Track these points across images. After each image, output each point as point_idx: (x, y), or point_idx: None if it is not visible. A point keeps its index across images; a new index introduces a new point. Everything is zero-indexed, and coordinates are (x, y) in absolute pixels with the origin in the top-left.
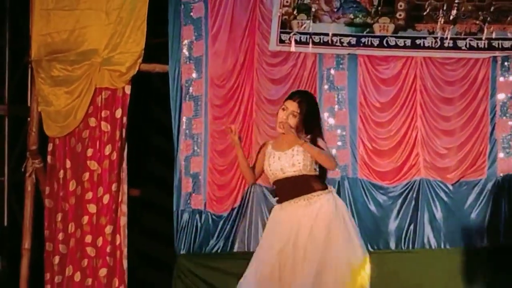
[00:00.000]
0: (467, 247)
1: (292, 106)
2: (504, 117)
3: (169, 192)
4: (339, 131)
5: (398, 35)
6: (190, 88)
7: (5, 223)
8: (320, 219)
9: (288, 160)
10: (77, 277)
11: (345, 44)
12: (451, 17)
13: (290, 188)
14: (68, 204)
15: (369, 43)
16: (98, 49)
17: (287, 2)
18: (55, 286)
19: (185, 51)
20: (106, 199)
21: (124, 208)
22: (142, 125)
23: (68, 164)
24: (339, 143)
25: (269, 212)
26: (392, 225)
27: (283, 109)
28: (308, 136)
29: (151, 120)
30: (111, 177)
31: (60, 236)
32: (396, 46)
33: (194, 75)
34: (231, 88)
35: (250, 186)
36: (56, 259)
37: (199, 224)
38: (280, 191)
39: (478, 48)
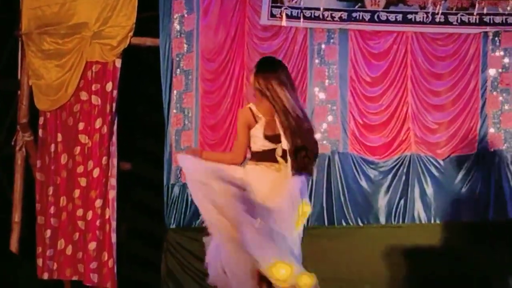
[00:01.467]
0: (457, 222)
1: None
2: (495, 92)
3: (160, 166)
4: (329, 105)
5: (390, 10)
6: (181, 62)
7: None
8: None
9: None
10: (69, 250)
11: (336, 18)
12: None
13: None
14: (59, 177)
15: (360, 17)
16: (89, 23)
17: None
18: (46, 260)
19: (176, 24)
20: (96, 172)
21: (113, 182)
22: (133, 99)
23: (60, 137)
24: (330, 118)
25: None
26: (383, 200)
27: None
28: None
29: (142, 94)
30: (101, 150)
31: (52, 209)
32: (387, 21)
33: (185, 49)
34: (222, 62)
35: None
36: (48, 232)
37: (189, 198)
38: None
39: (469, 23)
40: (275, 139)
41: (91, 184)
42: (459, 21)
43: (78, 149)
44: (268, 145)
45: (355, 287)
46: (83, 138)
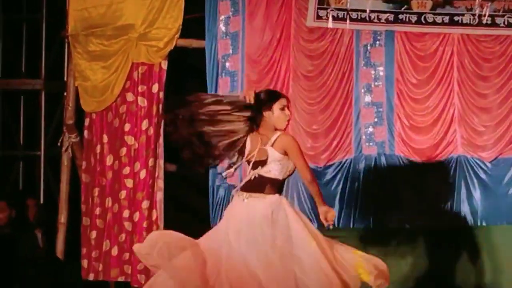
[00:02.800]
0: (503, 225)
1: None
2: None
3: (205, 168)
4: (375, 107)
5: (436, 11)
6: (227, 63)
7: (41, 198)
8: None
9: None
10: (114, 251)
11: (382, 20)
12: None
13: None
14: (105, 178)
15: (407, 19)
16: (135, 24)
17: None
18: (92, 261)
19: (221, 26)
20: (142, 174)
21: (160, 183)
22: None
23: (105, 139)
24: (376, 120)
25: (305, 187)
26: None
27: (287, 107)
28: None
29: (187, 96)
30: (148, 152)
31: (97, 210)
32: (434, 22)
33: (230, 50)
34: (268, 63)
35: None
36: (93, 233)
37: None
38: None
39: None
40: None
41: (138, 186)
42: (506, 23)
43: (124, 150)
44: None
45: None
46: (129, 140)
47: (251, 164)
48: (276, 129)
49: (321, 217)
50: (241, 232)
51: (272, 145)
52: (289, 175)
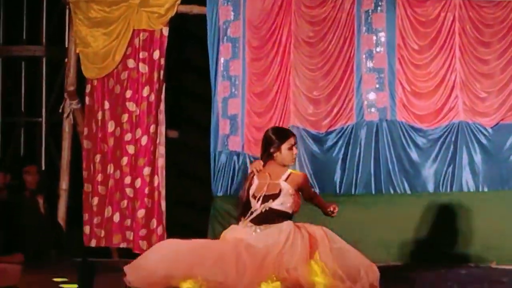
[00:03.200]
0: (505, 190)
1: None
2: None
3: (207, 134)
4: (377, 73)
5: None
6: (228, 29)
7: (43, 165)
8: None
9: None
10: (116, 218)
11: None
12: None
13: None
14: (107, 145)
15: None
16: None
17: None
18: (94, 227)
19: None
20: (144, 140)
21: (162, 149)
22: (180, 67)
23: (107, 105)
24: (377, 86)
25: (307, 154)
26: (430, 168)
27: (294, 145)
28: None
29: (189, 62)
30: (149, 118)
31: (99, 177)
32: None
33: (232, 16)
34: (269, 30)
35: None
36: (95, 200)
37: (236, 166)
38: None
39: None
40: None
41: (139, 152)
42: None
43: (125, 116)
44: None
45: (403, 251)
46: (130, 106)
47: (260, 199)
48: (284, 165)
49: (328, 212)
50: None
51: (285, 180)
52: (296, 212)
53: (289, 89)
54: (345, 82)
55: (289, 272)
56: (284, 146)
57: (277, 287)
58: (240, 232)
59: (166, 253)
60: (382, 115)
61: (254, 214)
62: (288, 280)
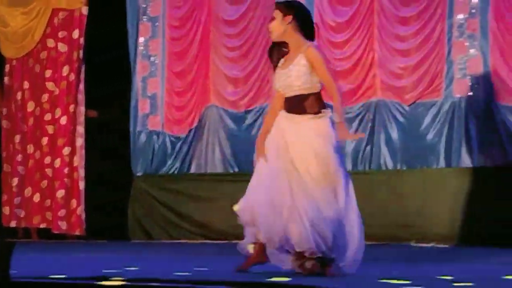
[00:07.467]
0: (422, 168)
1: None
2: (461, 38)
3: (127, 114)
4: None
5: None
6: (148, 8)
7: None
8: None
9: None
10: (36, 198)
11: None
12: None
13: None
14: (26, 125)
15: None
16: None
17: None
18: (13, 208)
19: None
20: (63, 120)
21: (81, 129)
22: (99, 46)
23: (26, 85)
24: None
25: (226, 133)
26: (349, 146)
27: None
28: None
29: (108, 41)
30: (69, 98)
31: (19, 157)
32: None
33: None
34: (189, 9)
35: (206, 108)
36: (15, 180)
37: (156, 146)
38: None
39: None
40: None
41: (59, 132)
42: None
43: (45, 96)
44: None
45: None
46: (50, 86)
47: None
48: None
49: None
50: None
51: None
52: None
53: (208, 68)
54: (265, 61)
55: None
56: None
57: None
58: None
59: None
60: None
61: None
62: None
